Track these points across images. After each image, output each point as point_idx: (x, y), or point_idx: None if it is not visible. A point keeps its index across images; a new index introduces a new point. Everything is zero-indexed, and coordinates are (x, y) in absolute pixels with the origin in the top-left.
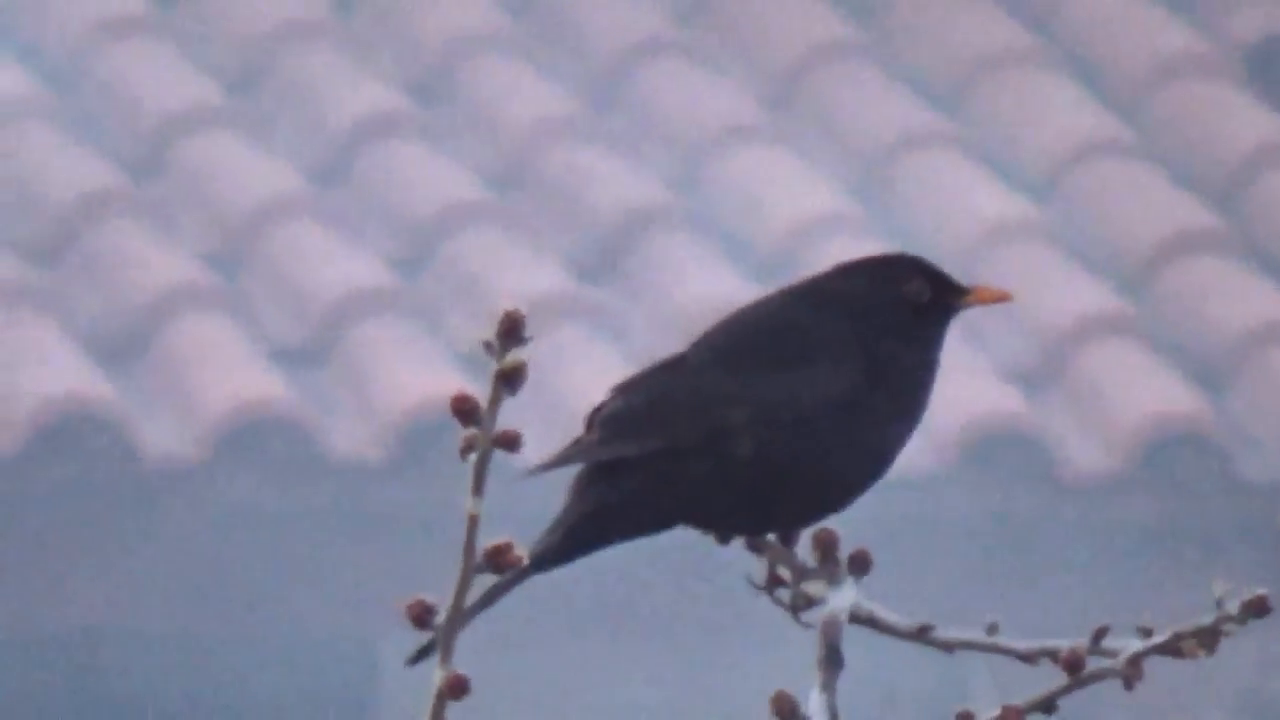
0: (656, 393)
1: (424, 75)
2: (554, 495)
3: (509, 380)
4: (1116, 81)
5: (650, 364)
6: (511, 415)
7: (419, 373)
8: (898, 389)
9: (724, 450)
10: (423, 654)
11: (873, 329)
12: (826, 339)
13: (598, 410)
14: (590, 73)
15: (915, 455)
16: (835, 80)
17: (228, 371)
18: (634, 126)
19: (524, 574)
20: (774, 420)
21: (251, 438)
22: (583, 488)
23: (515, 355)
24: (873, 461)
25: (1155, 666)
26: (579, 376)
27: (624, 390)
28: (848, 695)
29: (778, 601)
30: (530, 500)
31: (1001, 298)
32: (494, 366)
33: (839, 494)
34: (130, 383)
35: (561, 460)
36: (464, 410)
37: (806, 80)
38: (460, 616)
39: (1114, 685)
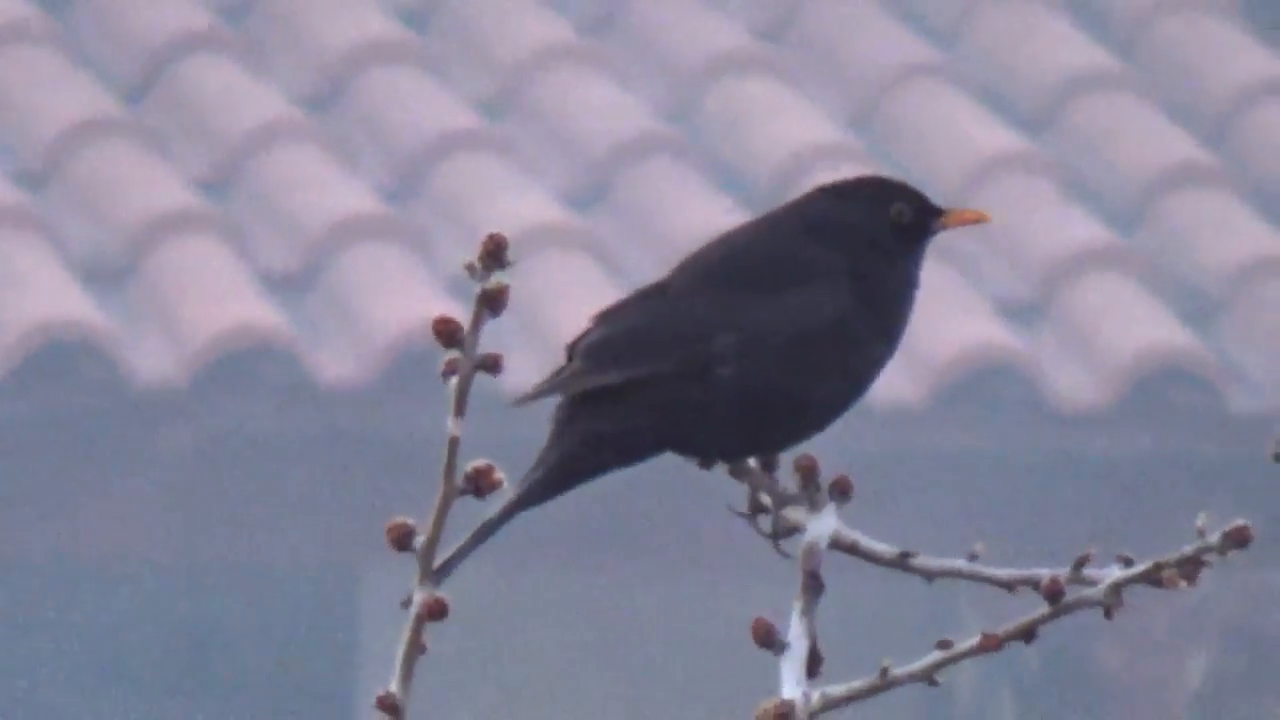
0: (641, 320)
1: (417, 2)
2: (541, 422)
3: (491, 303)
4: (1112, 15)
5: (632, 291)
6: (502, 343)
7: (408, 300)
8: (883, 310)
9: (711, 376)
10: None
11: (859, 250)
12: (813, 262)
13: (579, 339)
14: (587, 0)
15: (906, 387)
16: (831, 11)
17: (217, 297)
18: (628, 55)
19: (513, 510)
20: (762, 345)
21: (240, 363)
22: (566, 419)
23: (498, 278)
24: (858, 383)
25: (1142, 602)
26: (570, 305)
27: (606, 318)
28: (827, 623)
29: (758, 529)
30: (517, 427)
31: (978, 219)
32: (476, 289)
33: (823, 416)
34: (120, 307)
35: (546, 390)
36: (446, 332)
37: (803, 10)
38: (440, 543)
39: (1102, 620)
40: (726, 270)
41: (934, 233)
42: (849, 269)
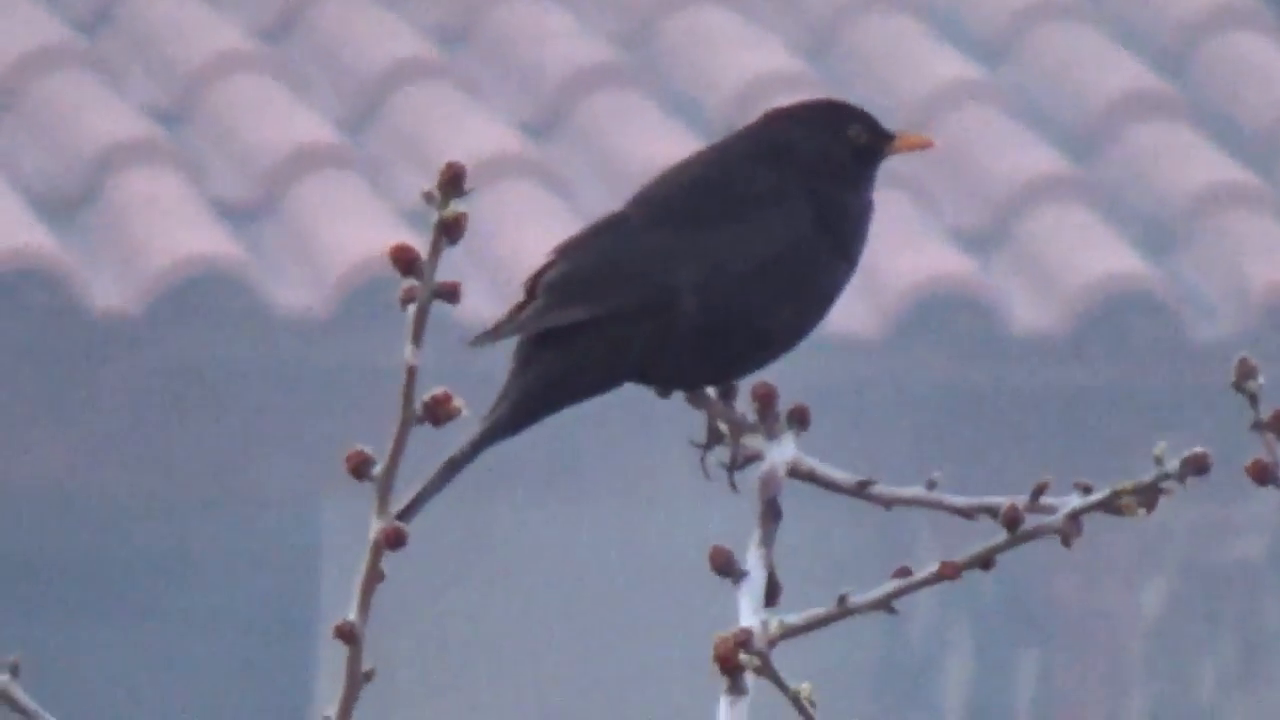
0: (602, 255)
1: None
2: (500, 353)
3: (449, 230)
4: None
5: (590, 224)
6: (458, 274)
7: (365, 230)
8: (842, 231)
9: (676, 308)
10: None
11: (816, 173)
12: (772, 187)
13: (539, 275)
14: None
15: (862, 317)
16: None
17: (173, 227)
18: None
19: (479, 447)
20: (725, 273)
21: (197, 293)
22: (527, 355)
23: (456, 206)
24: (821, 305)
25: (1098, 534)
26: (526, 235)
27: (565, 252)
28: (786, 551)
29: (715, 459)
30: (474, 357)
31: (924, 144)
32: (435, 217)
33: (787, 340)
34: (75, 237)
35: (509, 330)
36: (404, 260)
37: None
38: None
39: (1059, 552)
40: (685, 201)
41: (885, 156)
42: (808, 192)
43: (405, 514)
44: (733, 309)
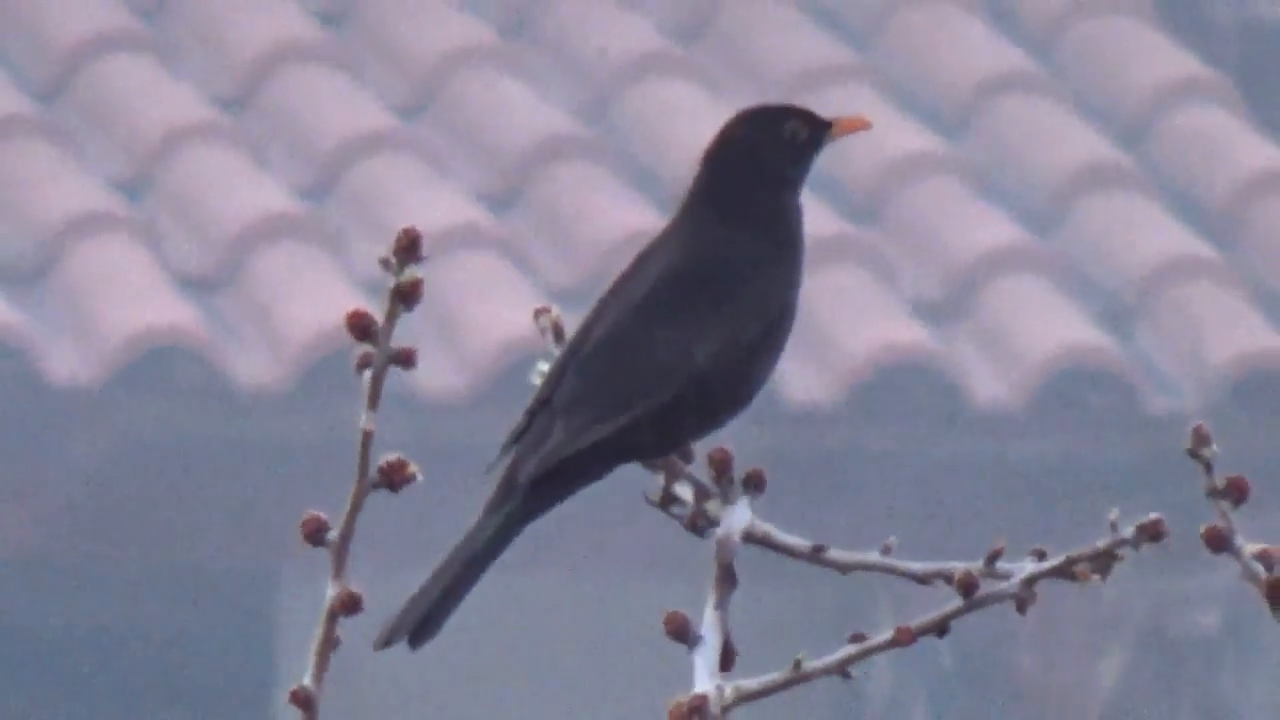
0: (616, 362)
1: (334, 2)
2: (452, 422)
3: (406, 296)
4: (1027, 17)
5: (581, 328)
6: (415, 344)
7: (324, 301)
8: (793, 242)
9: (692, 393)
10: (389, 639)
11: (767, 181)
12: (747, 247)
13: (544, 399)
14: (502, 1)
15: (821, 387)
16: (747, 11)
17: (132, 297)
18: (543, 57)
19: (494, 546)
20: (736, 347)
21: (155, 364)
22: (521, 464)
23: (412, 272)
24: (787, 335)
25: (1058, 605)
26: (485, 306)
27: (575, 364)
28: (741, 617)
29: (677, 519)
30: (429, 426)
31: (862, 125)
32: (391, 283)
33: (756, 390)
34: (35, 308)
35: (549, 459)
36: (360, 326)
37: (719, 11)
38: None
39: (1017, 621)
40: (676, 288)
41: (824, 145)
42: (769, 214)
43: (422, 635)
44: (741, 377)
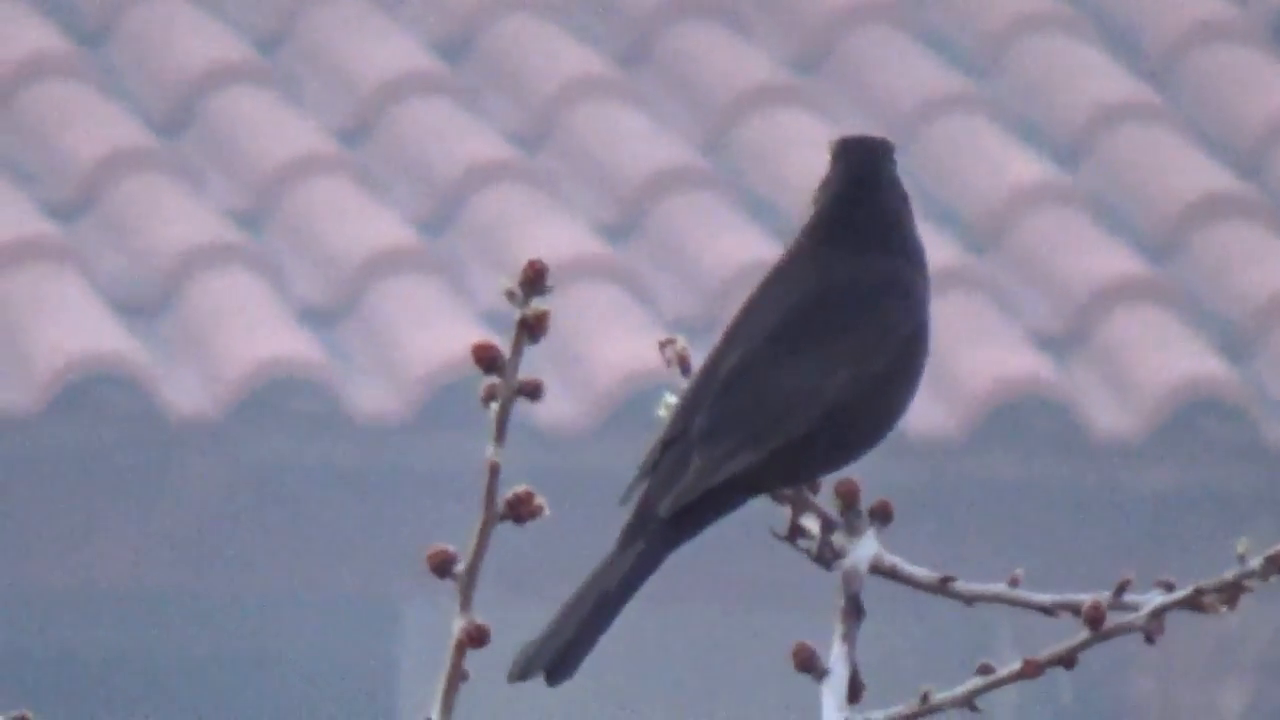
0: (753, 393)
1: (453, 34)
2: (578, 454)
3: (531, 328)
4: (1144, 46)
5: (707, 363)
6: (536, 375)
7: (443, 332)
8: (922, 270)
9: (836, 426)
10: (524, 672)
11: (892, 209)
12: (870, 268)
13: (680, 423)
14: (619, 32)
15: (942, 418)
16: (865, 41)
17: (252, 329)
18: (663, 87)
19: (614, 604)
20: (868, 377)
21: (276, 396)
22: (651, 505)
23: (538, 304)
24: (923, 364)
25: (1178, 633)
26: (604, 338)
27: (710, 396)
28: (869, 648)
29: (804, 551)
30: (553, 458)
31: None
32: (517, 314)
33: (897, 416)
34: (155, 340)
35: (691, 491)
36: (486, 358)
37: (838, 41)
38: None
39: (1139, 649)
40: (808, 316)
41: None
42: (893, 238)
43: (569, 665)
44: (877, 405)
